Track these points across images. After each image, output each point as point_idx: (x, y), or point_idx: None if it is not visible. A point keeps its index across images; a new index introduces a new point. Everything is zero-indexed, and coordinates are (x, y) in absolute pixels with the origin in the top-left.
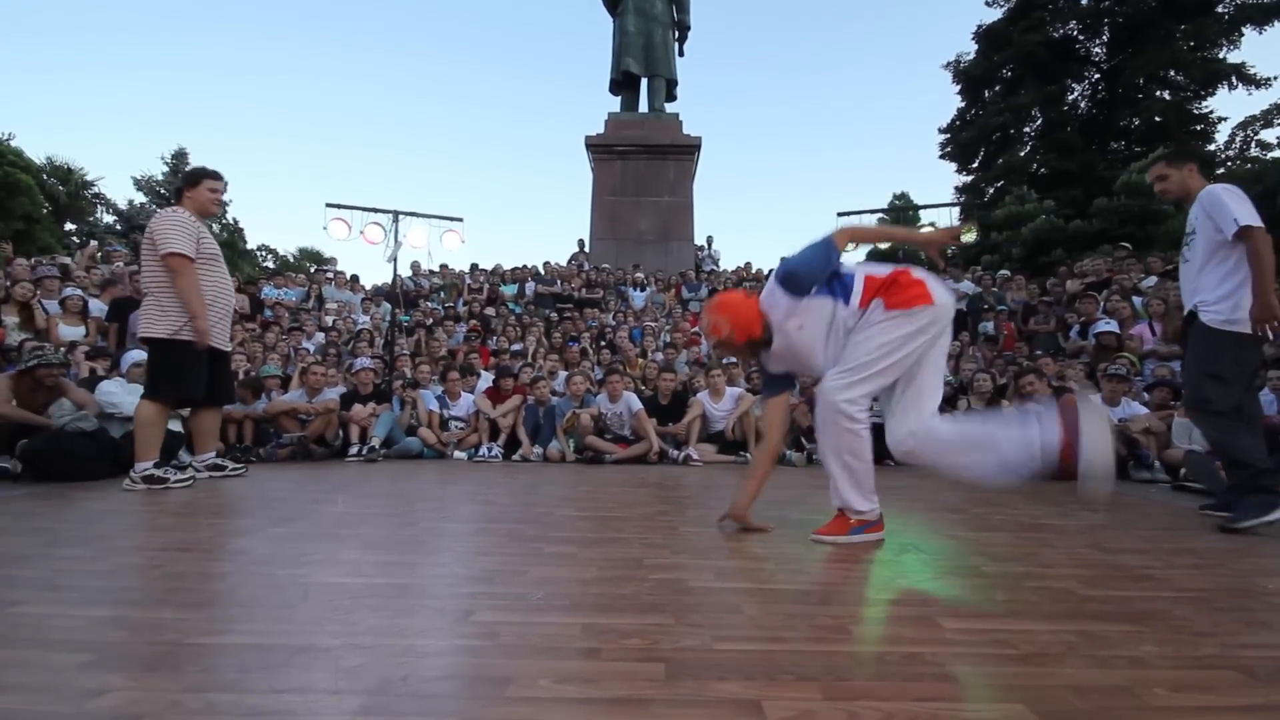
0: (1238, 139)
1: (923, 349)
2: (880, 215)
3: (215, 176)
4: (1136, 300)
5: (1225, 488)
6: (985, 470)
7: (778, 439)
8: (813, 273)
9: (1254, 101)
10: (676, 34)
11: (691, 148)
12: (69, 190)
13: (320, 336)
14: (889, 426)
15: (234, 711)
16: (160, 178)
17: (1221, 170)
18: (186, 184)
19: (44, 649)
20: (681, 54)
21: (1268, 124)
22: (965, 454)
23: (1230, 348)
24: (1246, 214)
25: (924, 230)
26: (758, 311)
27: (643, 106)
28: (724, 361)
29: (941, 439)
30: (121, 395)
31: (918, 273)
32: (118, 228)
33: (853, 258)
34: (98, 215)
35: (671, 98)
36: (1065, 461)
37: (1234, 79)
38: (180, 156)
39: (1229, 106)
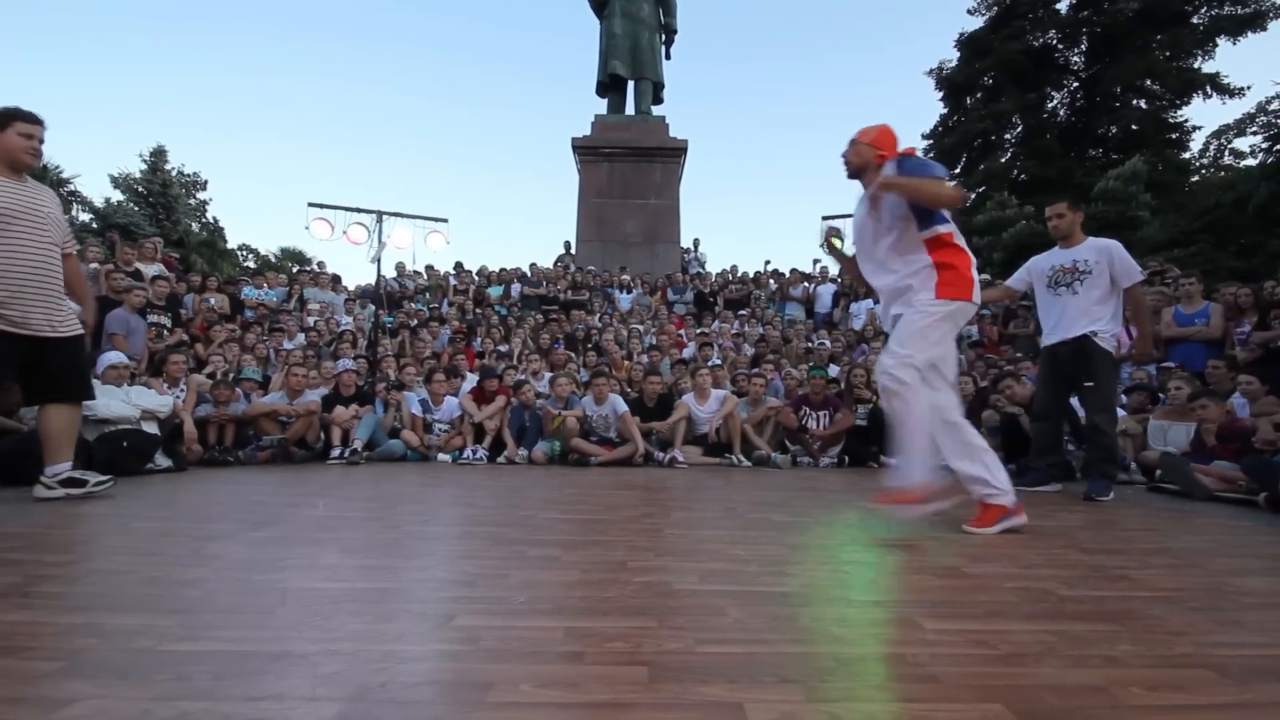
0: (1212, 147)
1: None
2: None
3: (30, 120)
4: None
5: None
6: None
7: None
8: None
9: (1228, 110)
10: (663, 37)
11: (678, 150)
12: None
13: (301, 337)
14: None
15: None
16: (139, 175)
17: (1196, 178)
18: None
19: (11, 656)
20: (668, 57)
21: (1241, 133)
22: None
23: (1116, 366)
24: (1139, 271)
25: None
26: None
27: (629, 109)
28: (709, 364)
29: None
30: (96, 398)
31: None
32: (94, 226)
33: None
34: (74, 213)
35: (658, 100)
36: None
37: (1208, 88)
38: (159, 154)
39: (1203, 115)
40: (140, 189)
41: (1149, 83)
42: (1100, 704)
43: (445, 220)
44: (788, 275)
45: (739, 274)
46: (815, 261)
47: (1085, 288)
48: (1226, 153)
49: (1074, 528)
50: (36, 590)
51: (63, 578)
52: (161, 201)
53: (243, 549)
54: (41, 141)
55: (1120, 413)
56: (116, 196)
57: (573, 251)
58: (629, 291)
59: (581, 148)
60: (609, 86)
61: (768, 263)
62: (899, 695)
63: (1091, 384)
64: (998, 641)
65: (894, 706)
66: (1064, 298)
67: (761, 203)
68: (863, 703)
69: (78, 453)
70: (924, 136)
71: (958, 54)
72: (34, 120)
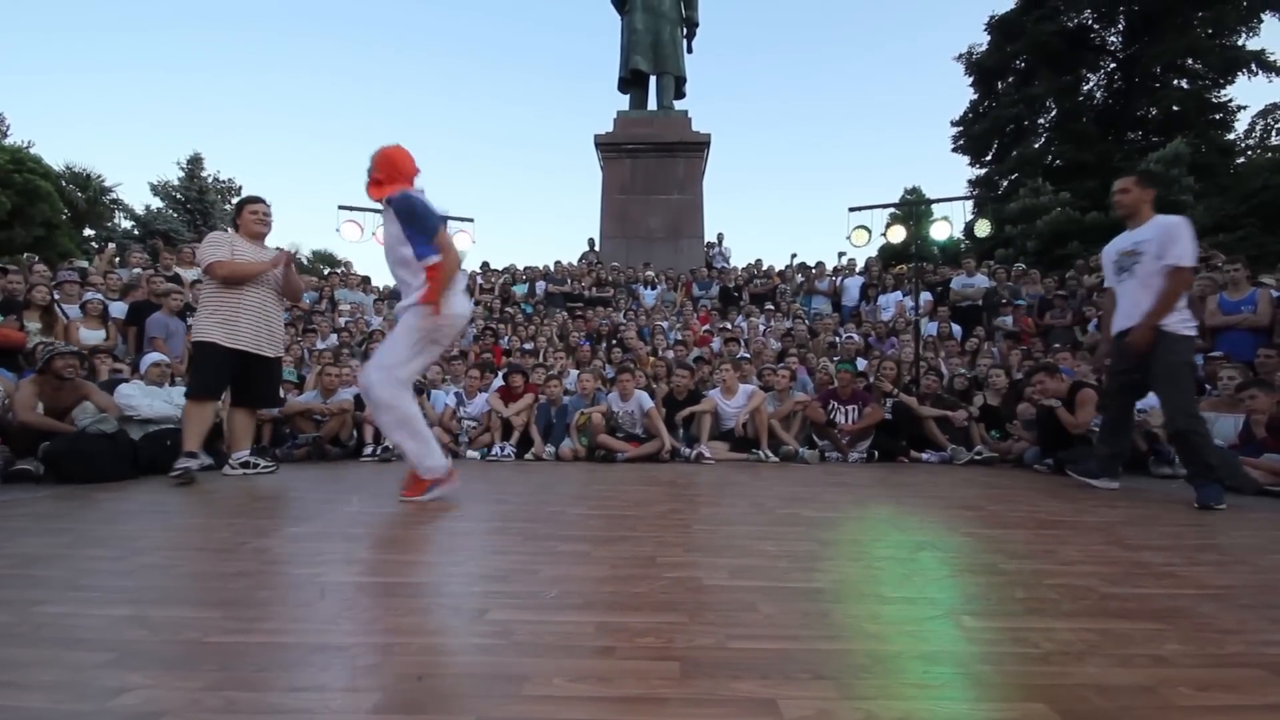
0: (1258, 128)
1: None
2: (892, 210)
3: (255, 201)
4: None
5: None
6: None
7: None
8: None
9: (1274, 89)
10: (685, 31)
11: (701, 145)
12: (88, 197)
13: (334, 338)
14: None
15: (253, 709)
16: (176, 183)
17: (1241, 160)
18: (235, 214)
19: (66, 648)
20: (690, 51)
21: None
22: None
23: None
24: (1189, 254)
25: None
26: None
27: (651, 104)
28: (737, 357)
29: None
30: (139, 398)
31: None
32: (135, 233)
33: (863, 253)
34: (116, 221)
35: (680, 95)
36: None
37: (1253, 66)
38: (195, 162)
39: (1248, 94)
40: (178, 196)
41: (1190, 61)
42: (1148, 704)
43: (471, 220)
44: (814, 268)
45: (764, 268)
46: (841, 254)
47: (1142, 272)
48: (1274, 133)
49: (1115, 523)
50: (87, 584)
51: (112, 572)
52: (199, 208)
53: (282, 544)
54: (269, 213)
55: (1156, 404)
56: (156, 204)
57: (597, 248)
58: (653, 287)
59: (604, 144)
60: (631, 82)
61: (794, 256)
62: (935, 694)
63: (1157, 380)
64: (1038, 639)
65: (930, 705)
66: (1125, 283)
67: (787, 196)
68: (899, 700)
69: (121, 452)
70: (954, 124)
71: (988, 38)
72: (259, 200)
